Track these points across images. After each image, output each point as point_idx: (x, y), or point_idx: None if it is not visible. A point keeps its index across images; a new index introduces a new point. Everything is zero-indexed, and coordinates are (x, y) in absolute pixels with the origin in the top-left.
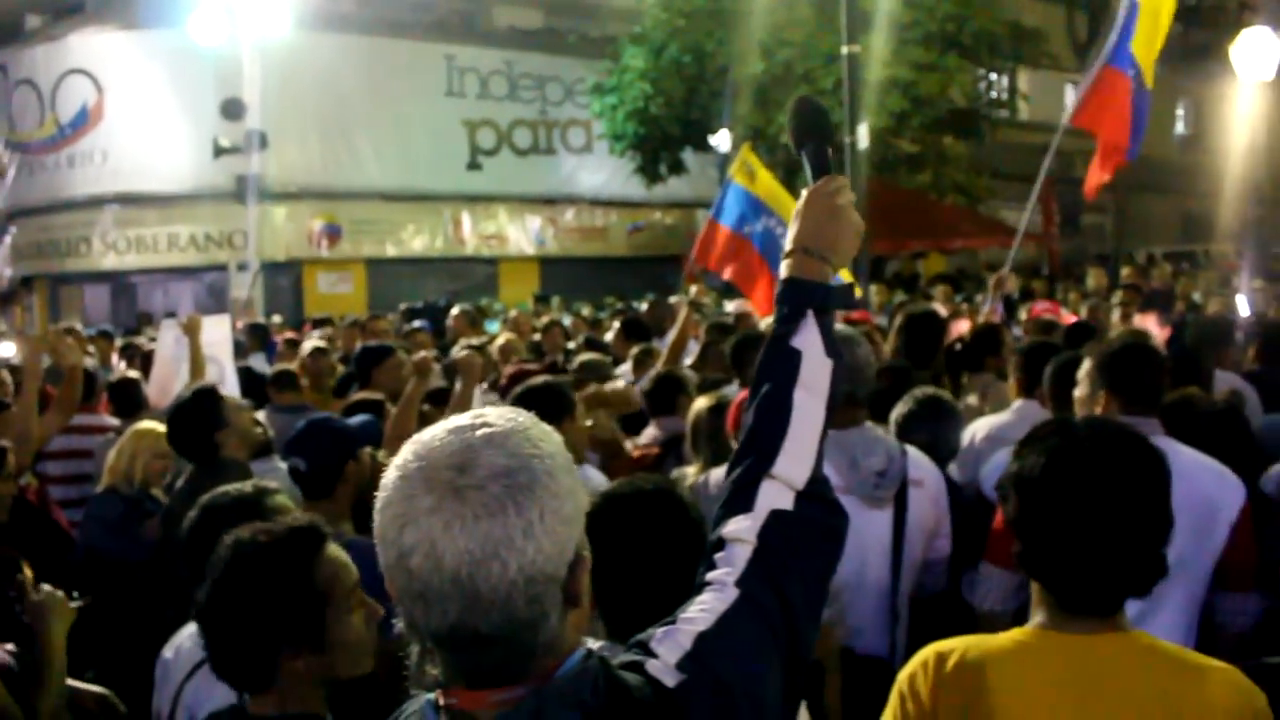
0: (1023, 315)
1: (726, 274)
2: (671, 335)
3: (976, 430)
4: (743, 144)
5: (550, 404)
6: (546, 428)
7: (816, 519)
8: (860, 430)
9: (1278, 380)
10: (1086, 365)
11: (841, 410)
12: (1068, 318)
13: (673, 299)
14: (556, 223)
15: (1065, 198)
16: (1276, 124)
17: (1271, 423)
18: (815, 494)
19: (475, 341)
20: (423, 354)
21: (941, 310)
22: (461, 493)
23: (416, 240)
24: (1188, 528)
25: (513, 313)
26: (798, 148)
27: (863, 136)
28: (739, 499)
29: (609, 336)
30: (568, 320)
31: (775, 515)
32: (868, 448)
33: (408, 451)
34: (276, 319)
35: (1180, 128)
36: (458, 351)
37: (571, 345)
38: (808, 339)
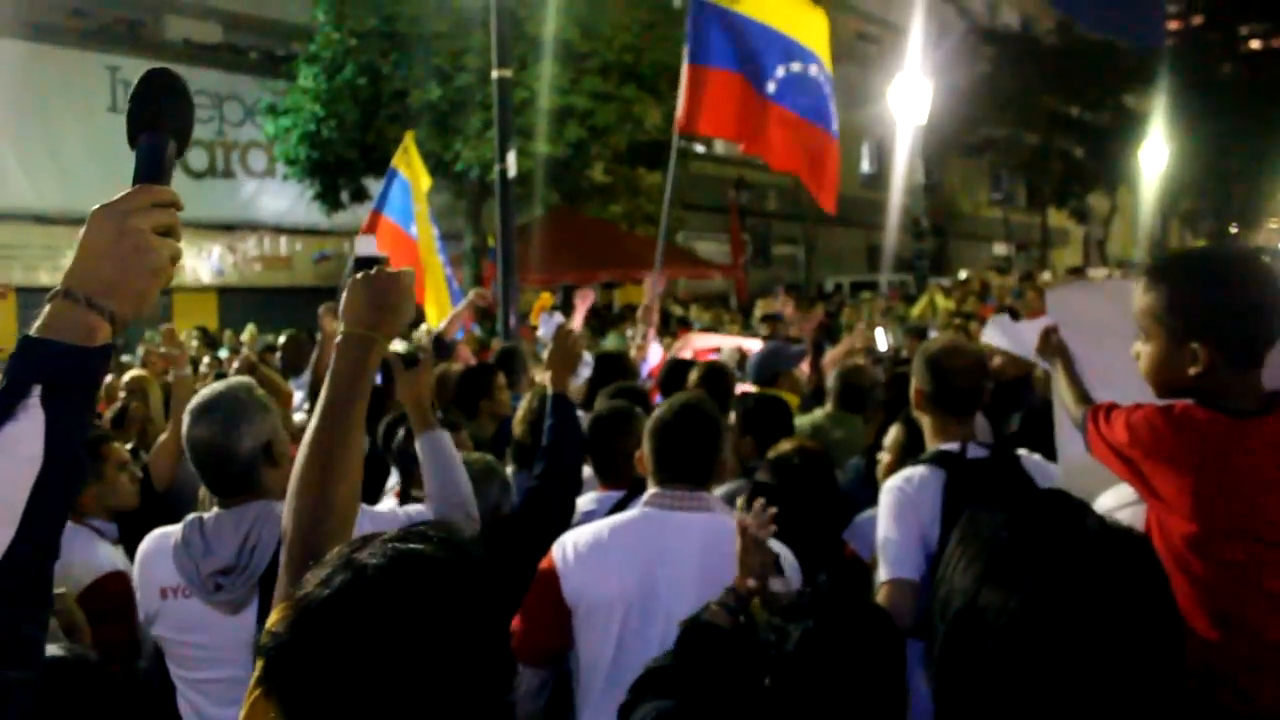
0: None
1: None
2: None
3: None
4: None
5: None
6: None
7: None
8: (223, 515)
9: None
10: None
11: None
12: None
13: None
14: (237, 250)
15: (758, 229)
16: (934, 163)
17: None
18: None
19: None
20: None
21: None
22: None
23: None
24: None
25: (141, 349)
26: (131, 141)
27: (512, 164)
28: None
29: None
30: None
31: None
32: (216, 539)
33: None
34: None
35: (866, 166)
36: None
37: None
38: (19, 431)
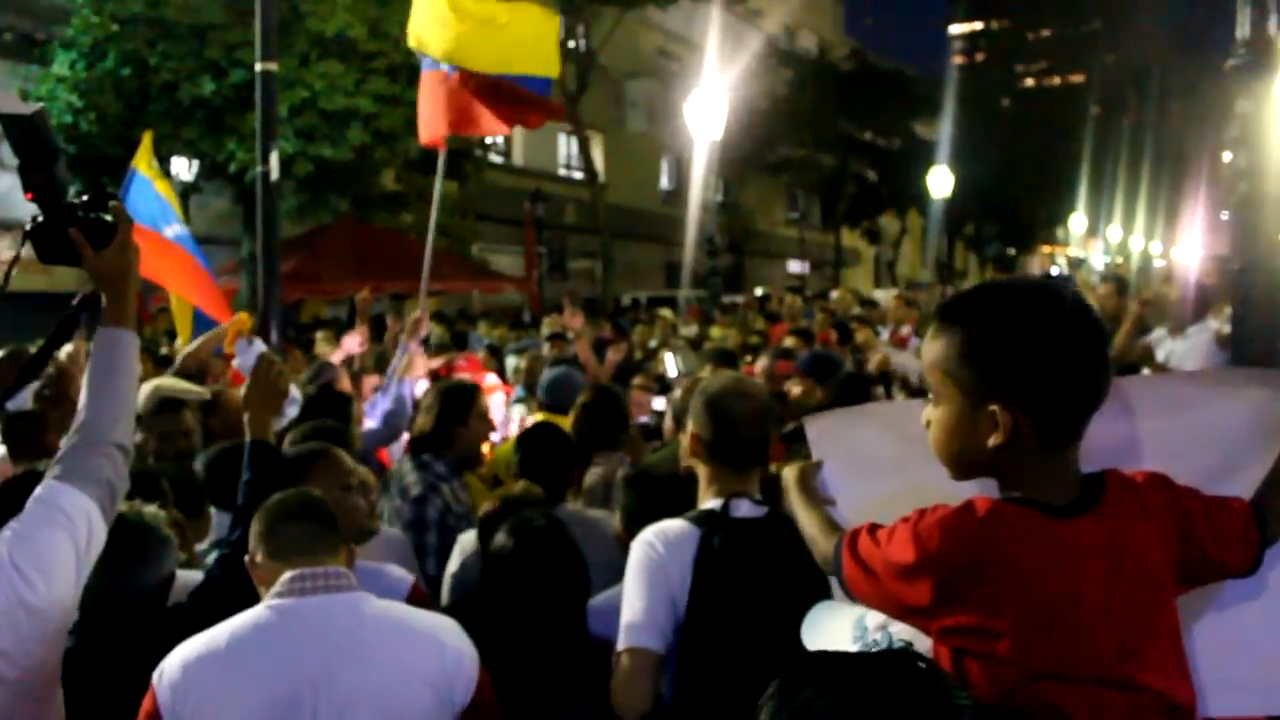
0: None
1: (168, 282)
2: None
3: None
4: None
5: None
6: None
7: None
8: None
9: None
10: None
11: None
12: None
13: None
14: None
15: (554, 242)
16: (732, 181)
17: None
18: None
19: None
20: None
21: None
22: None
23: None
24: None
25: None
26: None
27: (274, 166)
28: None
29: None
30: None
31: None
32: None
33: None
34: None
35: (665, 182)
36: None
37: None
38: None
